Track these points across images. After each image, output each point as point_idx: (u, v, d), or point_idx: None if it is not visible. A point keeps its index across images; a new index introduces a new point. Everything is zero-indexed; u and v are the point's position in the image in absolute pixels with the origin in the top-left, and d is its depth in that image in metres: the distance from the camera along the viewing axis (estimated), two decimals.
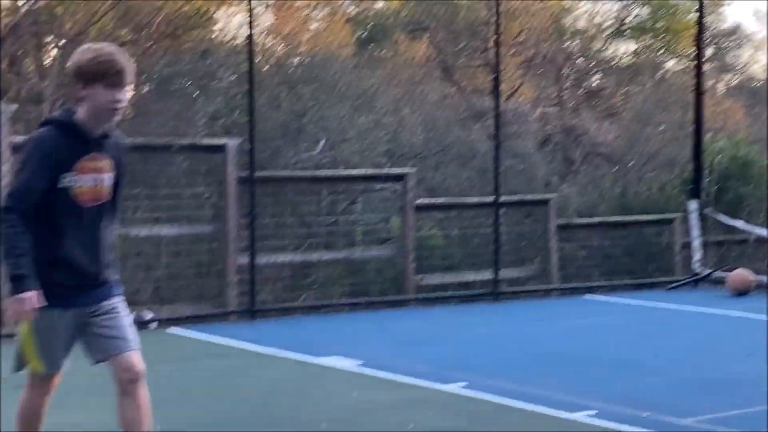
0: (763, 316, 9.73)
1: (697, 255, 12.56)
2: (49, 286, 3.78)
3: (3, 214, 3.77)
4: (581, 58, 19.05)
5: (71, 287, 3.90)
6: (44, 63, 12.50)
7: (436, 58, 16.54)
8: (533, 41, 17.01)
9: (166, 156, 9.80)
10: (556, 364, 7.50)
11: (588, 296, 11.70)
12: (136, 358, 3.93)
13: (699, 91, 13.02)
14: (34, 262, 3.75)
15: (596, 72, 19.41)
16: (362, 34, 16.80)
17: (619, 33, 19.73)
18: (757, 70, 26.36)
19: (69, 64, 4.00)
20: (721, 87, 23.63)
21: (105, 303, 3.97)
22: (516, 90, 16.75)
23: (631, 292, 12.02)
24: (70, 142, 3.86)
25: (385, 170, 11.72)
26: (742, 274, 11.70)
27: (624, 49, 20.23)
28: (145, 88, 11.73)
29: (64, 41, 11.86)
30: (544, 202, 12.28)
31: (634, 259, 12.99)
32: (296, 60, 14.01)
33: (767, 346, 7.89)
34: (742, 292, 11.49)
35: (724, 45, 24.75)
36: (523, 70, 17.12)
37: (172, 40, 12.26)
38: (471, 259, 11.72)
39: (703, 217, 12.88)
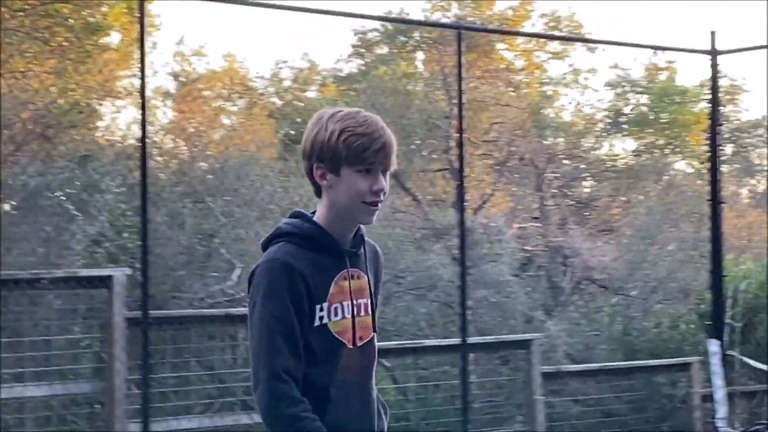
0: None
1: (722, 410, 12.51)
2: None
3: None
4: (567, 159, 19.30)
5: None
6: None
7: None
8: (506, 138, 17.23)
9: (32, 292, 9.66)
10: None
11: None
12: None
13: (716, 200, 13.18)
14: None
15: (587, 176, 19.68)
16: (288, 131, 16.88)
17: (615, 127, 20.10)
18: None
19: (306, 135, 3.58)
20: (744, 194, 24.02)
21: None
22: (486, 200, 16.88)
23: None
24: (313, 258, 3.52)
25: None
26: None
27: (621, 148, 20.59)
28: (5, 206, 11.65)
29: None
30: (526, 344, 12.23)
31: (642, 415, 12.91)
32: (204, 165, 13.98)
33: None
34: None
35: (746, 142, 25.24)
36: (495, 174, 17.30)
37: (43, 142, 12.23)
38: (432, 419, 11.60)
39: (726, 362, 12.88)
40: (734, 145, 25.53)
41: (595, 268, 16.15)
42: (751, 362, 13.21)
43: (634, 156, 20.23)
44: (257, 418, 10.49)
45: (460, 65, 11.36)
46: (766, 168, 24.58)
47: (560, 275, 16.14)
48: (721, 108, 14.05)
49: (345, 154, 3.43)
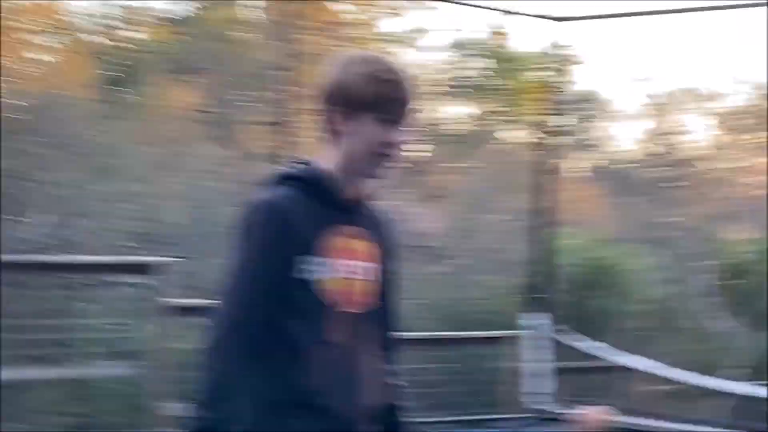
0: None
1: (545, 385, 12.55)
2: None
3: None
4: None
5: None
6: None
7: (209, 110, 16.31)
8: None
9: None
10: None
11: None
12: None
13: (548, 172, 13.16)
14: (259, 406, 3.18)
15: (421, 140, 19.56)
16: (110, 72, 16.39)
17: (452, 91, 20.04)
18: (624, 146, 27.26)
19: (324, 78, 3.36)
20: (579, 168, 24.23)
21: None
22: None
23: (458, 430, 11.83)
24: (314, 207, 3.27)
25: (133, 258, 11.38)
26: (599, 413, 11.72)
27: (457, 113, 20.55)
28: None
29: None
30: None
31: (465, 388, 12.84)
32: (19, 103, 13.48)
33: None
34: None
35: (582, 114, 25.52)
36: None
37: None
38: None
39: (552, 337, 12.92)
40: (570, 116, 25.86)
41: (425, 234, 16.08)
42: (576, 339, 13.27)
43: (470, 122, 20.27)
44: (59, 371, 10.28)
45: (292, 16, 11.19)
46: (598, 142, 24.96)
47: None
48: (561, 78, 14.11)
49: (371, 99, 3.22)
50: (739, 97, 25.54)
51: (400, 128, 3.27)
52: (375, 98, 3.21)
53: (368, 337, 3.38)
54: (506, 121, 20.45)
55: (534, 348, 12.64)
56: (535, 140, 14.25)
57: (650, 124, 24.56)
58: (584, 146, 25.29)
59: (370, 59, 3.32)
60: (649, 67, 26.68)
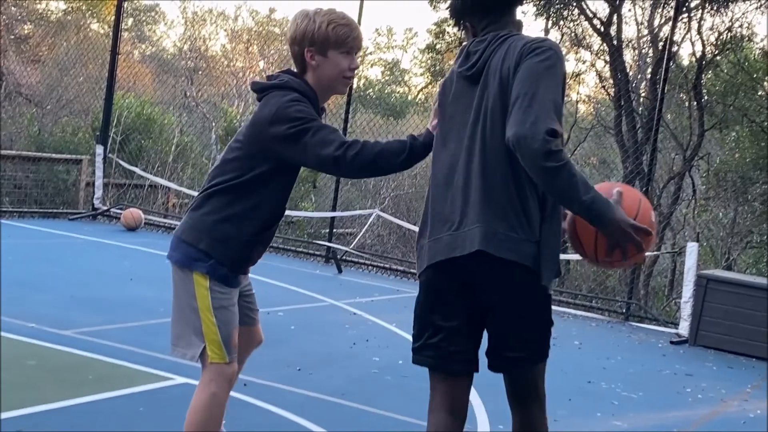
0: (147, 249, 9.96)
1: (99, 192, 12.40)
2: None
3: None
4: (15, 7, 17.71)
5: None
6: None
7: None
8: None
9: None
10: None
11: None
12: None
13: (115, 53, 12.79)
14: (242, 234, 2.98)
15: (26, 20, 18.20)
16: None
17: None
18: (167, 44, 26.80)
19: (296, 27, 3.01)
20: (136, 54, 23.58)
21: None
22: None
23: (38, 219, 11.47)
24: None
25: None
26: (136, 212, 11.80)
27: (56, 6, 19.25)
28: None
29: None
30: None
31: (44, 191, 12.44)
32: None
33: (146, 274, 8.11)
34: (133, 227, 11.60)
35: (143, 18, 24.73)
36: None
37: None
38: None
39: (107, 161, 12.74)
40: (135, 19, 24.97)
41: (24, 85, 15.18)
42: (123, 163, 13.18)
43: (64, 13, 19.09)
44: None
45: None
46: (149, 39, 24.35)
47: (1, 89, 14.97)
48: None
49: (333, 40, 2.99)
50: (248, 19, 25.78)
51: (354, 56, 3.07)
52: (337, 38, 3.00)
53: None
54: (92, 16, 19.40)
55: (98, 168, 12.42)
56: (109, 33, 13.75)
57: (188, 31, 24.27)
58: (144, 40, 24.59)
59: (328, 11, 3.04)
60: None
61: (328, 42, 3.00)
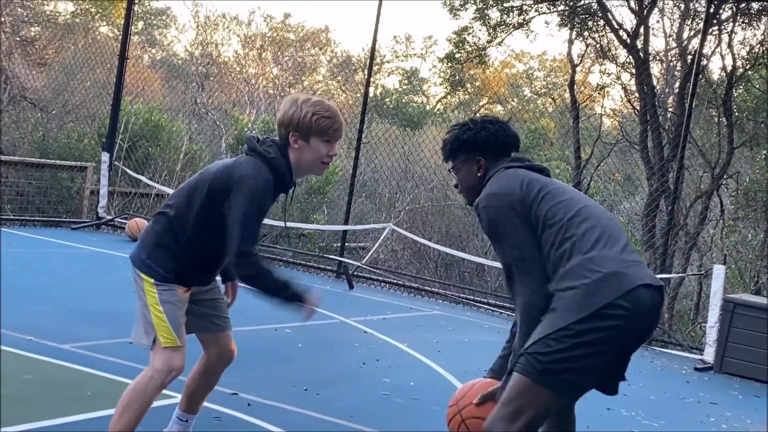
0: None
1: (103, 201, 12.44)
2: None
3: (249, 259, 3.28)
4: (21, 8, 17.86)
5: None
6: None
7: None
8: None
9: None
10: None
11: None
12: None
13: (123, 57, 12.87)
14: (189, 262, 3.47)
15: (34, 23, 18.34)
16: None
17: None
18: (178, 48, 26.95)
19: (284, 112, 3.46)
20: (146, 58, 23.72)
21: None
22: None
23: (39, 228, 11.53)
24: (276, 189, 3.44)
25: None
26: (141, 222, 11.83)
27: (63, 8, 19.39)
28: None
29: None
30: None
31: (47, 199, 12.51)
32: None
33: None
34: (137, 238, 11.61)
35: (153, 22, 24.87)
36: None
37: None
38: None
39: (113, 169, 12.80)
40: (145, 22, 25.11)
41: (29, 89, 15.26)
42: (129, 171, 13.24)
43: (72, 16, 19.21)
44: None
45: None
46: (160, 43, 24.46)
47: (0, 90, 15.07)
48: None
49: (315, 129, 3.42)
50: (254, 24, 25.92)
51: (335, 144, 3.50)
52: (318, 128, 3.42)
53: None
54: (99, 19, 19.52)
55: (103, 176, 12.48)
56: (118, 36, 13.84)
57: (199, 35, 24.39)
58: (154, 44, 24.72)
59: (315, 102, 3.47)
60: None
61: (311, 130, 3.43)
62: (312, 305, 3.35)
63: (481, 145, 3.37)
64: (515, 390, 3.03)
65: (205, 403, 4.54)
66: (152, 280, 3.44)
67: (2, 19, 16.38)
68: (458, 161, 3.42)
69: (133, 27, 13.15)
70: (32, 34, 17.88)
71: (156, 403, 4.62)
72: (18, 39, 17.05)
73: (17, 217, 11.69)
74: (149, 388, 3.42)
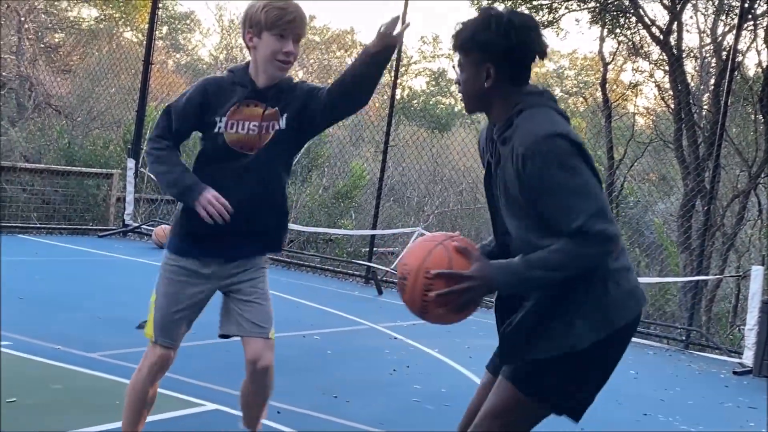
0: None
1: (130, 208, 12.55)
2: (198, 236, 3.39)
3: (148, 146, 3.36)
4: (45, 14, 18.06)
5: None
6: None
7: None
8: None
9: None
10: None
11: (22, 236, 11.11)
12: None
13: (148, 62, 12.98)
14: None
15: (57, 29, 18.53)
16: None
17: None
18: (203, 53, 27.10)
19: (243, 12, 3.36)
20: (170, 63, 23.90)
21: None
22: None
23: (66, 236, 11.65)
24: (234, 88, 3.32)
25: None
26: (166, 229, 11.92)
27: (87, 14, 19.59)
28: None
29: None
30: None
31: (73, 206, 12.64)
32: None
33: None
34: (164, 245, 11.70)
35: (177, 26, 25.06)
36: None
37: None
38: None
39: (139, 175, 12.90)
40: (169, 27, 25.30)
41: (53, 96, 15.43)
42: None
43: (95, 22, 19.38)
44: None
45: None
46: (183, 47, 24.62)
47: (26, 97, 15.25)
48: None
49: (265, 21, 3.25)
50: None
51: (291, 42, 3.28)
52: (267, 20, 3.25)
53: (262, 169, 3.38)
54: (123, 24, 19.70)
55: (129, 183, 12.59)
56: (143, 41, 13.97)
57: (224, 39, 24.54)
58: (179, 49, 24.88)
59: None
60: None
61: (261, 23, 3.26)
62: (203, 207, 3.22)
63: (496, 54, 2.77)
64: (508, 403, 2.79)
65: (231, 410, 4.57)
66: (165, 258, 3.47)
67: (26, 26, 16.58)
68: (465, 60, 2.82)
69: (157, 32, 13.27)
70: (56, 40, 18.08)
71: (186, 411, 4.66)
72: (42, 46, 17.25)
73: (44, 225, 11.83)
74: (136, 382, 3.51)
